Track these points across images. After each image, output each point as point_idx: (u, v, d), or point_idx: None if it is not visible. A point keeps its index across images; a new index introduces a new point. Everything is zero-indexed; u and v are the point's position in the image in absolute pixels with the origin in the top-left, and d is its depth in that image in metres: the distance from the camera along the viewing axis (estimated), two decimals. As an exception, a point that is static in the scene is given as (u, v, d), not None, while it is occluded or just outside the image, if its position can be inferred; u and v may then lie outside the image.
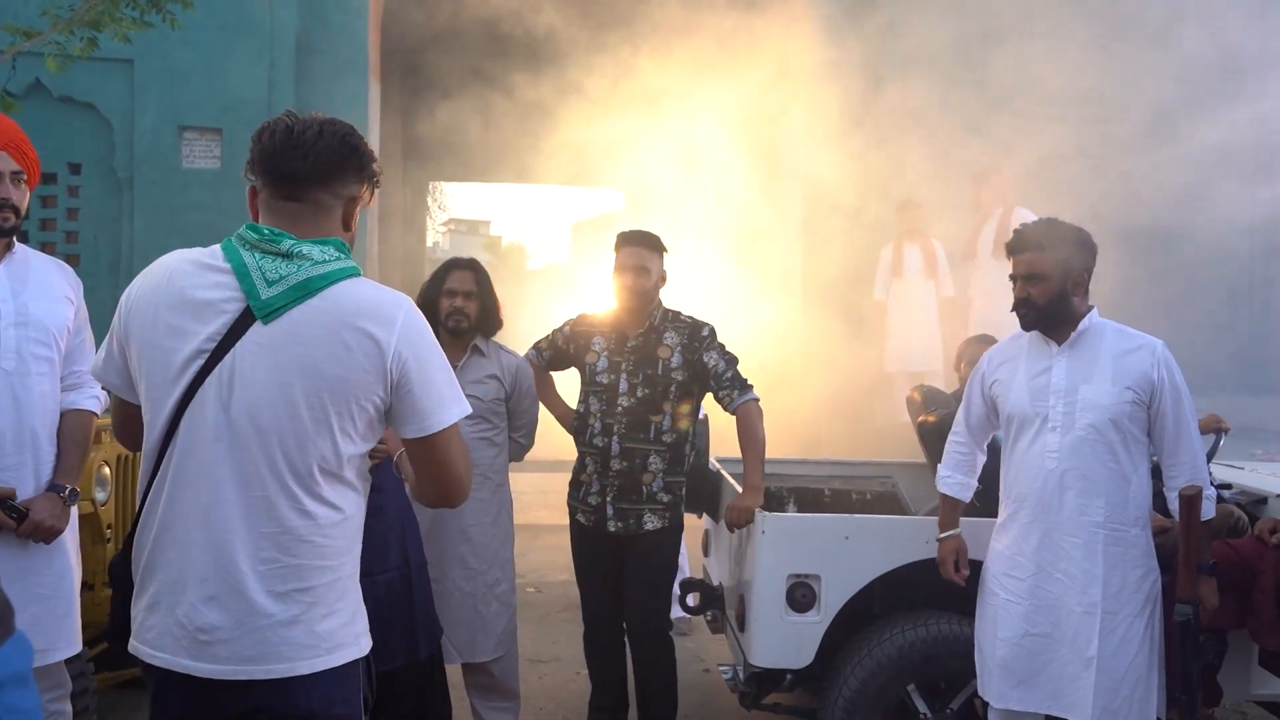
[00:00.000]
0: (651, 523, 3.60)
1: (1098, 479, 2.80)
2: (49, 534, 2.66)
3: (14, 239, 2.75)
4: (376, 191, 1.95)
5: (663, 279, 3.73)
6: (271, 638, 1.70)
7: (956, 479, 3.17)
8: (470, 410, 1.90)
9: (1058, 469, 2.83)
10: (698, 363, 3.62)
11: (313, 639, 1.73)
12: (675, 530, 3.67)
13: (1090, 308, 2.90)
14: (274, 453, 1.71)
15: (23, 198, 2.69)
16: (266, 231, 1.76)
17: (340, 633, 1.77)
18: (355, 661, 1.81)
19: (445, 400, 1.80)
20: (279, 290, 1.72)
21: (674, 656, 3.73)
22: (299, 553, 1.72)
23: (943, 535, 3.17)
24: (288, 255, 1.74)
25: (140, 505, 1.79)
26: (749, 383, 3.64)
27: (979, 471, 3.20)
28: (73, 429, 2.79)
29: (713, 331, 3.69)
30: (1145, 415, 2.82)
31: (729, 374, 3.61)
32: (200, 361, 1.72)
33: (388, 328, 1.74)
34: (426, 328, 1.82)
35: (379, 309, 1.75)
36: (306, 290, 1.72)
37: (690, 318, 3.74)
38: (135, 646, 1.79)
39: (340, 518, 1.77)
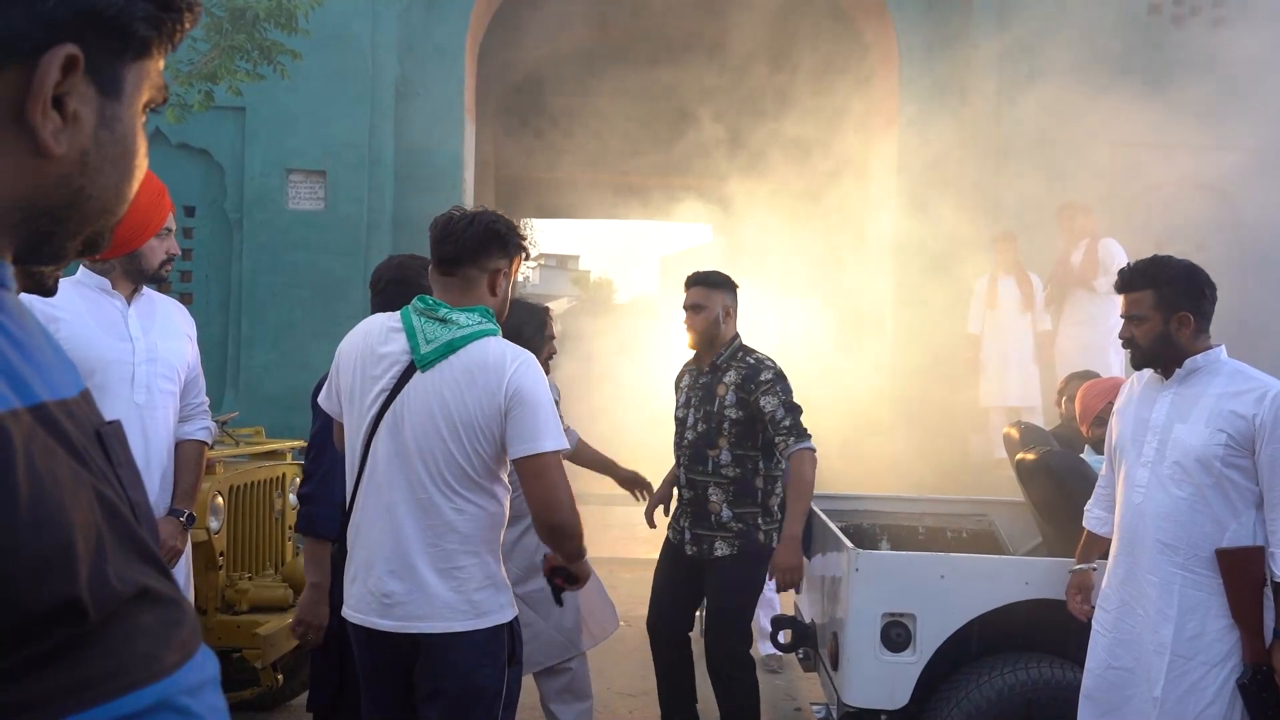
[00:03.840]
0: (721, 549, 3.69)
1: (1182, 520, 2.68)
2: (171, 554, 2.86)
3: None
4: (522, 260, 2.47)
5: (727, 313, 3.79)
6: (434, 603, 2.26)
7: (1095, 514, 3.11)
8: (569, 448, 2.22)
9: (1142, 505, 2.77)
10: (753, 404, 3.63)
11: (467, 605, 2.28)
12: (748, 557, 3.67)
13: (1209, 346, 2.78)
14: (429, 467, 2.27)
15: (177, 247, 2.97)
16: (430, 301, 2.35)
17: (488, 603, 2.30)
18: (500, 626, 2.32)
19: (547, 432, 2.26)
20: (433, 347, 2.29)
21: (752, 691, 3.70)
22: (453, 540, 2.28)
23: (1072, 568, 3.14)
24: (443, 320, 2.31)
25: (349, 507, 2.41)
26: (807, 431, 3.59)
27: None
28: (188, 457, 3.00)
29: (775, 376, 3.65)
30: (1250, 462, 2.65)
31: (786, 421, 3.58)
32: (383, 399, 2.32)
33: (504, 371, 2.27)
34: (539, 375, 2.32)
35: (501, 359, 2.29)
36: (451, 347, 2.29)
37: (757, 359, 3.73)
38: (345, 612, 2.38)
39: (481, 514, 2.30)
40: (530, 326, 3.64)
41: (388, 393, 2.32)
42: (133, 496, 0.75)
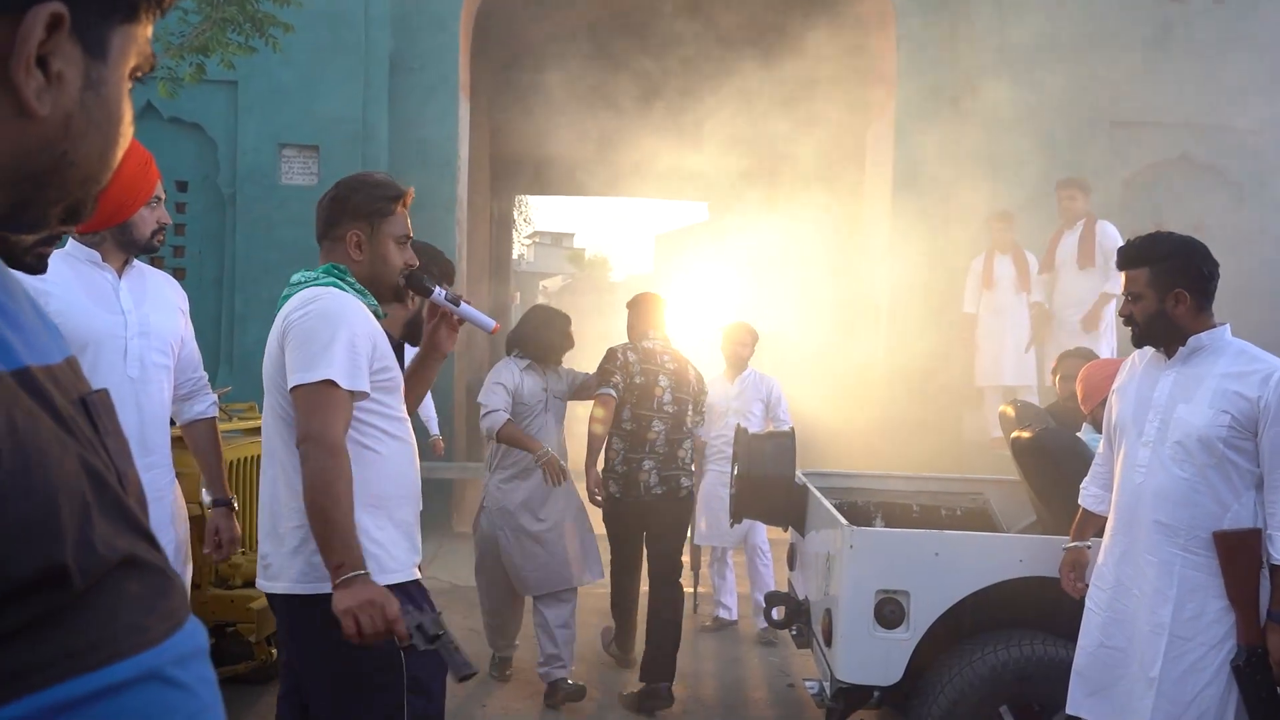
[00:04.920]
0: None
1: (1182, 500, 2.66)
2: (231, 544, 3.09)
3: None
4: (389, 215, 2.38)
5: (630, 325, 4.83)
6: (285, 564, 2.24)
7: (1091, 491, 3.09)
8: (333, 378, 2.15)
9: (1143, 484, 2.75)
10: None
11: (308, 567, 2.20)
12: (608, 501, 4.65)
13: (1213, 325, 2.75)
14: (274, 425, 2.29)
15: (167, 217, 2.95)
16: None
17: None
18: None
19: (305, 364, 2.17)
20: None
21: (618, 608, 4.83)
22: (300, 498, 2.18)
23: (1066, 545, 3.13)
24: (290, 283, 2.37)
25: None
26: (604, 382, 4.56)
27: None
28: (206, 438, 3.10)
29: (609, 353, 4.67)
30: (1252, 444, 2.62)
31: (592, 379, 4.66)
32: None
33: (284, 316, 2.27)
34: (320, 313, 2.21)
35: (290, 306, 2.27)
36: (279, 305, 2.34)
37: (618, 346, 4.73)
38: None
39: None
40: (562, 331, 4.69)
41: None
42: (120, 466, 0.74)
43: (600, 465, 4.62)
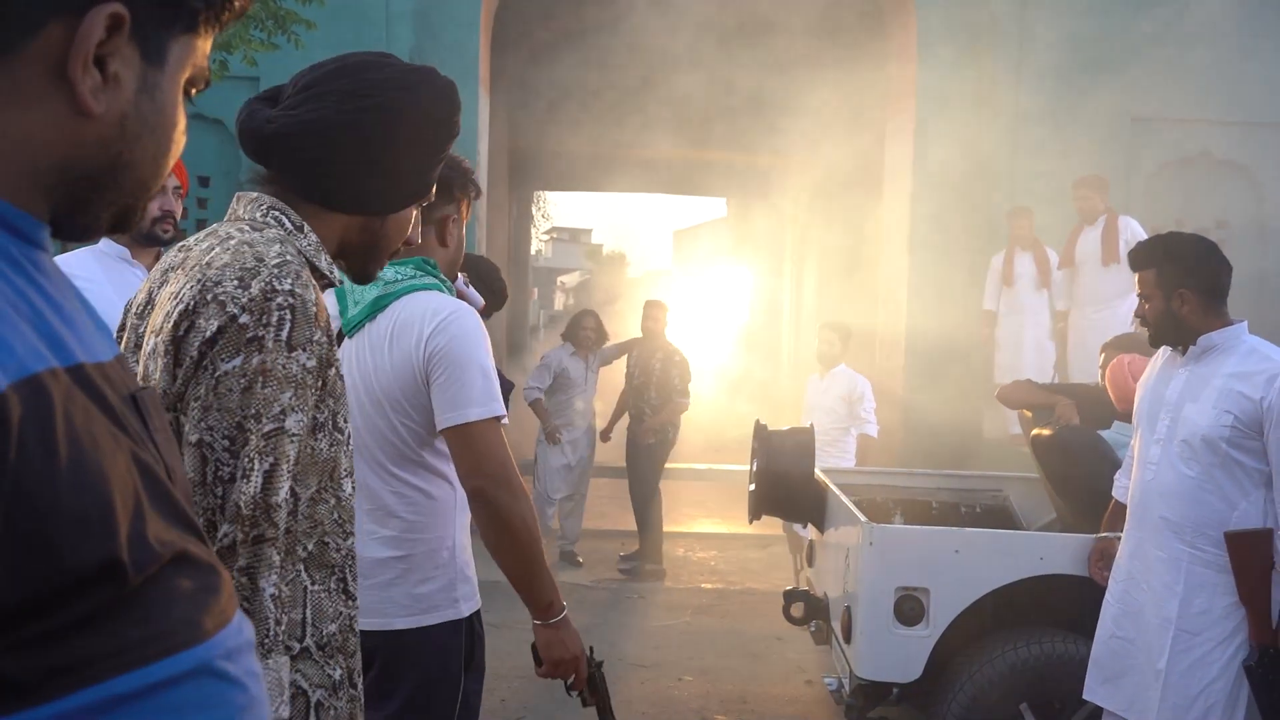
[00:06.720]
0: None
1: (1189, 498, 2.69)
2: None
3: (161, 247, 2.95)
4: (475, 203, 2.17)
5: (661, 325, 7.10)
6: (376, 596, 1.95)
7: (1122, 483, 3.12)
8: (503, 415, 1.97)
9: (1152, 481, 2.78)
10: None
11: (409, 600, 1.98)
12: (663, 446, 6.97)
13: (1228, 322, 2.76)
14: (360, 445, 1.95)
15: (179, 209, 2.90)
16: None
17: (435, 596, 2.00)
18: (451, 623, 2.02)
19: (471, 398, 1.91)
20: (357, 310, 2.01)
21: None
22: (393, 526, 1.99)
23: (1096, 535, 3.18)
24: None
25: None
26: (685, 394, 6.92)
27: None
28: None
29: (683, 364, 6.98)
30: (1259, 443, 2.63)
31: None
32: None
33: (425, 327, 1.94)
34: (467, 331, 1.96)
35: (424, 313, 1.95)
36: (376, 307, 1.99)
37: (683, 356, 7.04)
38: None
39: (423, 497, 2.00)
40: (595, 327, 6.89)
41: None
42: (169, 461, 0.76)
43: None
